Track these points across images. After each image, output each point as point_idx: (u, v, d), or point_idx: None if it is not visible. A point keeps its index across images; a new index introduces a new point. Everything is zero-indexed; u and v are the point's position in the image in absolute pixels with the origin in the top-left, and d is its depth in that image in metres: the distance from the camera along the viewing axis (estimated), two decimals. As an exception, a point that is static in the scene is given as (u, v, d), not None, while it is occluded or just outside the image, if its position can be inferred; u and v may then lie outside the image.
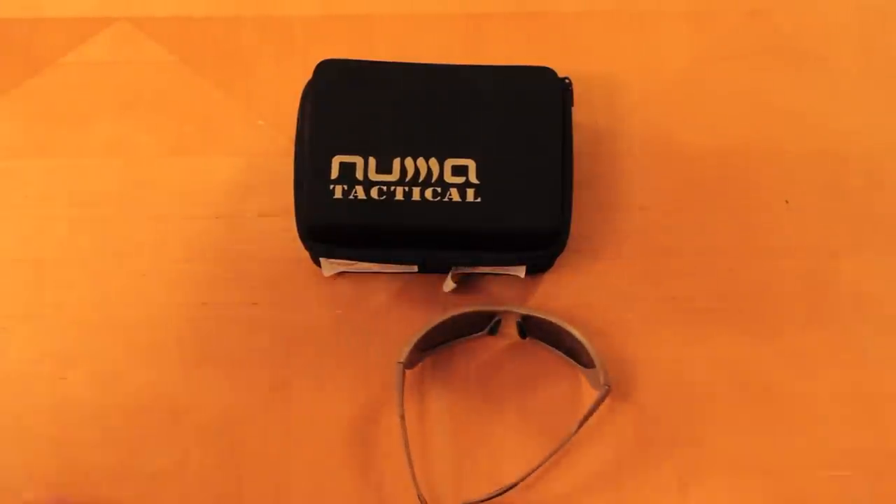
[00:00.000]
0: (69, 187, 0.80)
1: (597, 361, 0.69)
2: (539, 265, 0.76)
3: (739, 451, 0.72)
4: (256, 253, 0.78)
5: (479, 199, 0.70)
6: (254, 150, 0.82)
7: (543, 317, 0.71)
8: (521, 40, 0.87)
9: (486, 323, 0.73)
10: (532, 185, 0.71)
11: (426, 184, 0.70)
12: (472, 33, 0.87)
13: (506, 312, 0.73)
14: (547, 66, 0.75)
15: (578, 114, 0.77)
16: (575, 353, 0.73)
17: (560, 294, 0.77)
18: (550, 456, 0.69)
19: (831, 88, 0.85)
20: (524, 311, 0.72)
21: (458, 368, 0.75)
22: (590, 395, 0.73)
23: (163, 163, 0.81)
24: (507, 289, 0.77)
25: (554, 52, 0.85)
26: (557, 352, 0.74)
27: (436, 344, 0.73)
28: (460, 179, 0.70)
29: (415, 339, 0.69)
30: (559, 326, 0.71)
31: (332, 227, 0.70)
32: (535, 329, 0.74)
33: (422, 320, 0.75)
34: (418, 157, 0.71)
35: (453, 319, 0.71)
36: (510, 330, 0.75)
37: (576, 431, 0.69)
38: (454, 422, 0.73)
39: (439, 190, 0.70)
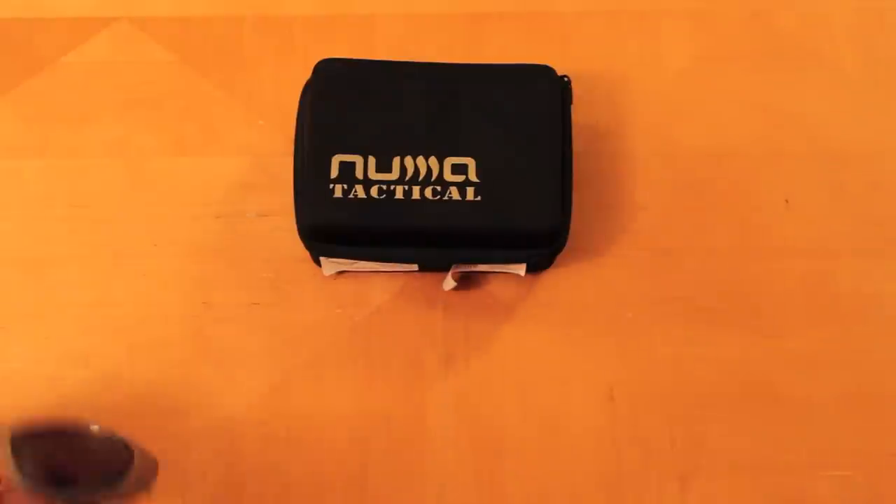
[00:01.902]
0: (69, 187, 0.80)
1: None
2: (539, 263, 0.76)
3: (739, 451, 0.72)
4: (256, 253, 0.78)
5: (479, 198, 0.70)
6: (254, 150, 0.82)
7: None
8: (521, 40, 0.87)
9: None
10: (532, 183, 0.71)
11: (426, 182, 0.70)
12: (472, 33, 0.87)
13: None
14: (546, 64, 0.75)
15: (578, 113, 0.78)
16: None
17: (559, 293, 0.77)
18: None
19: (831, 89, 0.85)
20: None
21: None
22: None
23: (163, 163, 0.81)
24: (507, 287, 0.77)
25: (554, 51, 0.85)
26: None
27: None
28: (460, 178, 0.71)
29: None
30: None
31: (332, 226, 0.71)
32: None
33: (422, 319, 0.75)
34: (418, 155, 0.71)
35: None
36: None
37: None
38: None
39: (439, 188, 0.70)
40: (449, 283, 0.74)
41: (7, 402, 0.73)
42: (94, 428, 0.57)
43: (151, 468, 0.58)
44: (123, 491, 0.55)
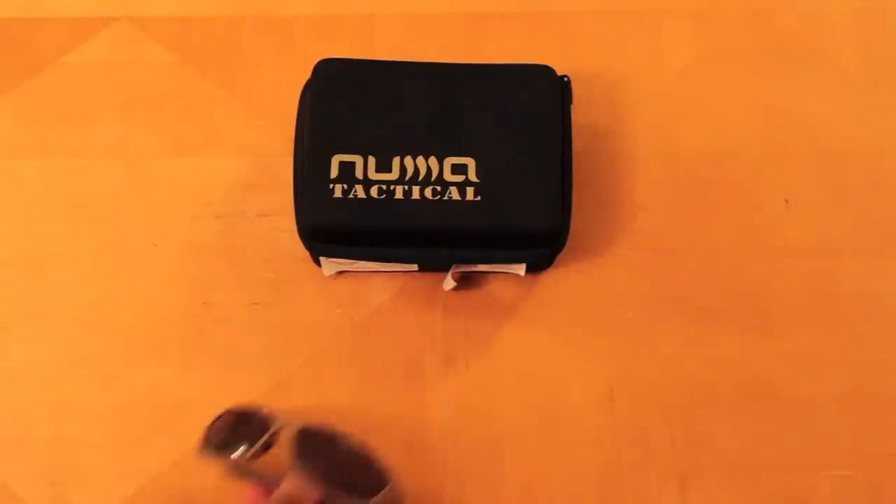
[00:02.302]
0: (69, 187, 0.80)
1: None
2: (539, 263, 0.76)
3: (739, 451, 0.72)
4: (256, 253, 0.78)
5: (478, 198, 0.70)
6: (254, 150, 0.82)
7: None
8: (521, 40, 0.87)
9: None
10: (532, 183, 0.71)
11: (426, 182, 0.70)
12: (472, 33, 0.87)
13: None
14: (546, 64, 0.75)
15: (578, 113, 0.78)
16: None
17: (559, 292, 0.77)
18: None
19: (832, 89, 0.85)
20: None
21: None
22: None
23: (163, 163, 0.81)
24: (507, 287, 0.77)
25: (554, 51, 0.85)
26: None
27: None
28: (460, 178, 0.70)
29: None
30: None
31: (332, 226, 0.71)
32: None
33: (422, 319, 0.75)
34: (418, 155, 0.71)
35: None
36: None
37: None
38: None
39: (439, 188, 0.70)
40: (449, 283, 0.74)
41: (7, 402, 0.73)
42: (362, 448, 0.65)
43: (397, 500, 0.64)
44: None
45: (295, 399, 0.73)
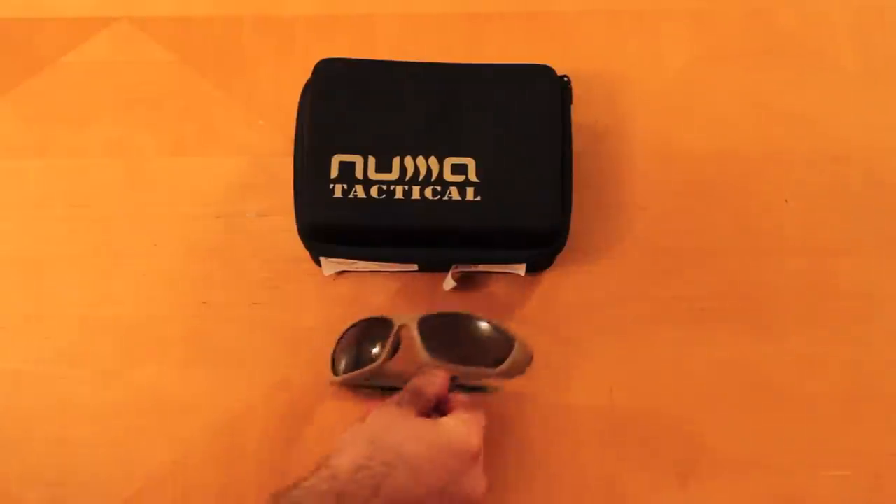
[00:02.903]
0: (69, 187, 0.80)
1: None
2: (539, 264, 0.76)
3: (739, 450, 0.72)
4: (256, 253, 0.78)
5: (478, 198, 0.70)
6: (254, 150, 0.82)
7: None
8: (521, 40, 0.87)
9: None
10: (532, 183, 0.71)
11: (426, 182, 0.70)
12: (472, 33, 0.87)
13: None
14: (546, 64, 0.75)
15: (578, 114, 0.78)
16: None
17: (560, 293, 0.77)
18: None
19: (831, 88, 0.85)
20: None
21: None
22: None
23: (163, 163, 0.81)
24: (507, 287, 0.77)
25: (554, 51, 0.85)
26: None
27: None
28: (460, 178, 0.70)
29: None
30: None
31: (332, 225, 0.71)
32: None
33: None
34: (418, 155, 0.71)
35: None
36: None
37: None
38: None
39: (439, 188, 0.70)
40: (449, 283, 0.74)
41: (7, 402, 0.73)
42: (481, 318, 0.66)
43: (527, 357, 0.67)
44: (505, 372, 0.64)
45: (295, 399, 0.73)
